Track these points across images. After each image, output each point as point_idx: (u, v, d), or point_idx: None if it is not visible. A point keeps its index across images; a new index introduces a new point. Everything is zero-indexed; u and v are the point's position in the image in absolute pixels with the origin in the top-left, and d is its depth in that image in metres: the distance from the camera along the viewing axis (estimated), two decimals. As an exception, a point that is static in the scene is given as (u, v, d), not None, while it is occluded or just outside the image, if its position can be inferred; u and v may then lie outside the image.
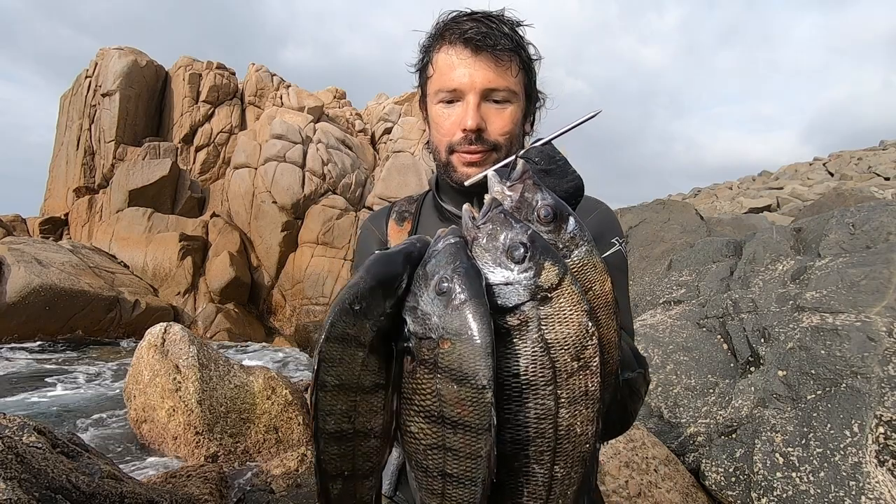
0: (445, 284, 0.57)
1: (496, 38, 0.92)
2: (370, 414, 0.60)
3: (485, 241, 0.62)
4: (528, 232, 0.61)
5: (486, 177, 0.73)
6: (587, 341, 0.57)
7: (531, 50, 0.99)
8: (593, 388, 0.57)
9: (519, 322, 0.58)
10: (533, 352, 0.57)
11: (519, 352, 0.57)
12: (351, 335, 0.58)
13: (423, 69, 1.02)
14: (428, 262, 0.61)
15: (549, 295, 0.58)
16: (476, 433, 0.53)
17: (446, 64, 0.95)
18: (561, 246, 0.65)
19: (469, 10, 0.97)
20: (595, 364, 0.57)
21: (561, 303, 0.58)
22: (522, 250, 0.59)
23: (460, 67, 0.93)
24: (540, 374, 0.57)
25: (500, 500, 0.59)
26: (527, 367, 0.57)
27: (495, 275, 0.60)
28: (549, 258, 0.59)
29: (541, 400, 0.57)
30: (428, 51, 1.00)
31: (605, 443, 2.63)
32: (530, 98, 1.01)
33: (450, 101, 0.96)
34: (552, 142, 0.86)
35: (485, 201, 0.67)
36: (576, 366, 0.57)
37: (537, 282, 0.58)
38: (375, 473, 0.63)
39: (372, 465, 0.62)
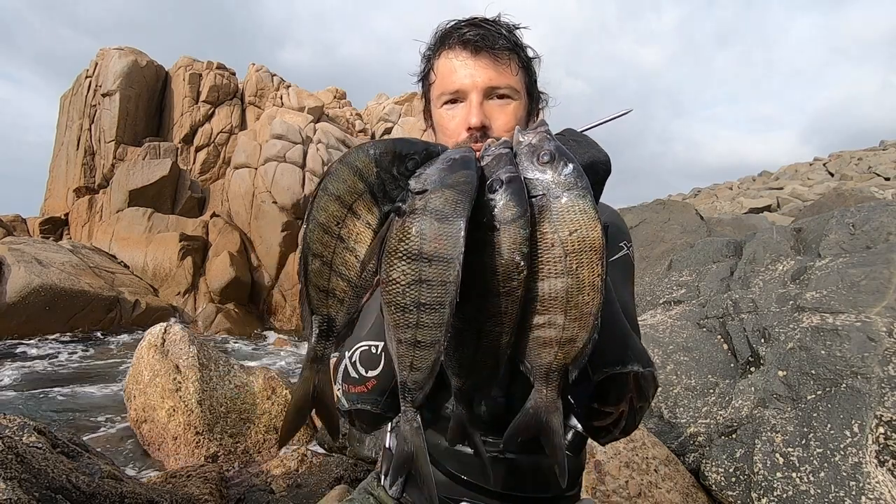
0: (449, 162, 0.71)
1: (494, 39, 0.95)
2: (356, 234, 0.72)
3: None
4: (511, 174, 0.71)
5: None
6: (514, 275, 0.68)
7: (529, 52, 1.01)
8: (510, 311, 0.69)
9: (474, 239, 0.69)
10: (473, 268, 0.68)
11: (466, 263, 0.68)
12: (359, 168, 0.71)
13: (424, 77, 1.04)
14: (446, 153, 0.74)
15: (500, 227, 0.68)
16: (447, 262, 0.65)
17: (447, 67, 0.97)
18: (553, 186, 0.71)
19: (466, 18, 0.99)
20: (517, 294, 0.68)
21: (504, 237, 0.68)
22: (497, 185, 0.70)
23: (461, 69, 0.95)
24: (475, 288, 0.69)
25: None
26: (467, 278, 0.67)
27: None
28: (514, 199, 0.69)
29: (473, 307, 0.69)
30: (429, 59, 1.02)
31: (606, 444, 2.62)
32: (532, 97, 1.03)
33: (453, 103, 0.97)
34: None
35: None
36: (501, 290, 0.68)
37: (497, 213, 0.69)
38: (351, 285, 0.72)
39: (346, 273, 0.72)
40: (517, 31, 0.99)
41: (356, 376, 0.91)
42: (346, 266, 0.72)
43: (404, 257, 0.67)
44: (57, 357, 9.09)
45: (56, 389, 6.96)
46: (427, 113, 1.07)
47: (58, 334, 10.33)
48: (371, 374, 0.90)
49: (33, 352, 9.39)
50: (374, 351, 0.90)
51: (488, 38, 0.94)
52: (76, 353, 9.58)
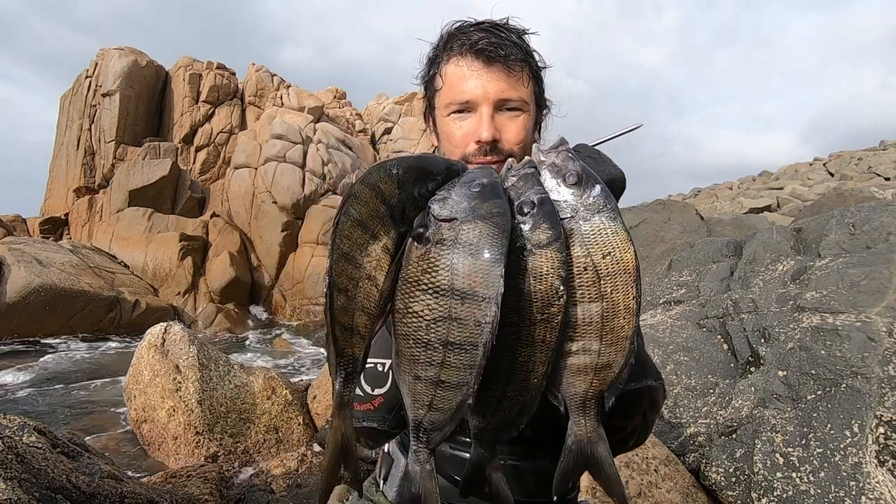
0: (479, 188, 0.66)
1: (507, 49, 0.91)
2: (376, 262, 0.67)
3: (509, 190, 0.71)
4: (541, 195, 0.68)
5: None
6: (554, 301, 0.65)
7: (537, 58, 0.97)
8: (549, 339, 0.66)
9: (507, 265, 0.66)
10: (509, 295, 0.64)
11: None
12: (382, 189, 0.66)
13: (430, 81, 1.00)
14: (468, 174, 0.70)
15: (535, 252, 0.65)
16: (484, 301, 0.60)
17: (457, 75, 0.93)
18: (582, 209, 0.69)
19: (475, 20, 0.95)
20: (556, 321, 0.65)
21: (540, 261, 0.65)
22: (529, 207, 0.67)
23: (472, 79, 0.91)
24: (507, 316, 0.64)
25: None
26: (503, 305, 0.64)
27: None
28: (547, 221, 0.66)
29: (505, 336, 0.65)
30: (435, 62, 0.98)
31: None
32: (539, 107, 1.00)
33: (462, 113, 0.94)
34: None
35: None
36: (539, 317, 0.65)
37: (530, 236, 0.66)
38: (371, 318, 0.68)
39: (368, 306, 0.67)
40: (525, 36, 0.96)
41: (361, 394, 0.87)
42: (369, 298, 0.67)
43: (430, 290, 0.62)
44: (57, 357, 9.09)
45: (56, 389, 6.96)
46: (428, 116, 1.04)
47: (58, 335, 10.34)
48: (378, 391, 0.86)
49: (34, 350, 9.39)
50: (380, 369, 0.86)
51: (502, 48, 0.90)
52: (76, 353, 9.58)
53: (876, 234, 3.53)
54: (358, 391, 0.87)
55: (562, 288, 0.64)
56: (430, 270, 0.63)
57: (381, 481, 1.08)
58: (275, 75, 17.88)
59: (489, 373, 0.65)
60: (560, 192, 0.70)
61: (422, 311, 0.63)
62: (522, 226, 0.66)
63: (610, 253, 0.67)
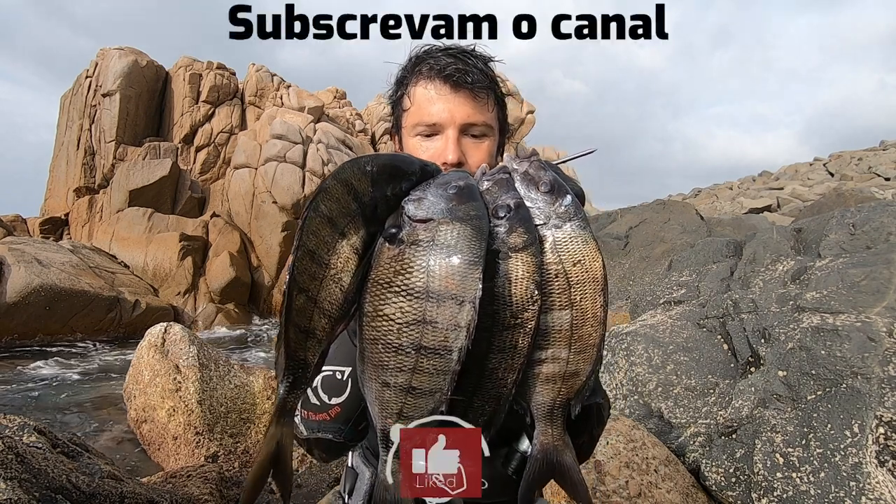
0: (455, 189, 0.65)
1: (474, 76, 0.95)
2: (343, 262, 0.63)
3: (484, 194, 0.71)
4: (517, 199, 0.68)
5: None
6: (529, 305, 0.64)
7: (501, 85, 1.02)
8: (522, 345, 0.64)
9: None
10: (483, 299, 0.62)
11: None
12: (354, 186, 0.63)
13: (398, 101, 1.03)
14: (442, 176, 0.69)
15: (510, 255, 0.64)
16: (460, 304, 0.59)
17: (425, 98, 0.96)
18: (554, 217, 0.69)
19: (443, 46, 0.98)
20: (530, 326, 0.64)
21: (516, 264, 0.64)
22: (504, 211, 0.66)
23: (439, 102, 0.94)
24: (481, 321, 0.62)
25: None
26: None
27: None
28: (523, 225, 0.66)
29: (477, 342, 0.62)
30: (403, 83, 1.01)
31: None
32: (502, 131, 1.04)
33: (428, 135, 0.97)
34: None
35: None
36: (513, 322, 0.64)
37: (505, 239, 0.65)
38: (332, 321, 0.64)
39: (330, 308, 0.63)
40: (490, 63, 0.99)
41: (317, 403, 0.85)
42: (331, 300, 0.63)
43: (403, 293, 0.60)
44: (57, 357, 9.09)
45: (56, 389, 6.96)
46: (395, 135, 1.06)
47: (57, 335, 10.33)
48: (335, 401, 0.84)
49: (34, 351, 9.39)
50: (338, 377, 0.84)
51: (469, 74, 0.94)
52: (77, 353, 9.58)
53: (876, 234, 3.53)
54: (314, 400, 0.85)
55: (537, 292, 0.64)
56: (403, 272, 0.61)
57: (346, 496, 1.06)
58: (275, 75, 17.88)
59: (461, 379, 0.63)
60: (533, 200, 0.71)
61: (393, 314, 0.61)
62: (498, 229, 0.66)
63: (580, 261, 0.67)
